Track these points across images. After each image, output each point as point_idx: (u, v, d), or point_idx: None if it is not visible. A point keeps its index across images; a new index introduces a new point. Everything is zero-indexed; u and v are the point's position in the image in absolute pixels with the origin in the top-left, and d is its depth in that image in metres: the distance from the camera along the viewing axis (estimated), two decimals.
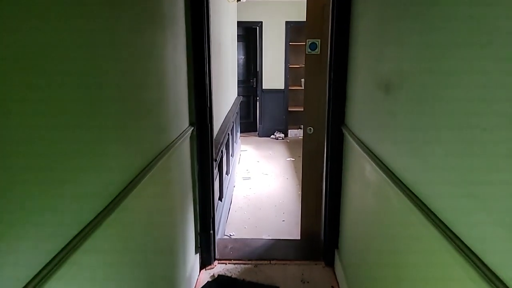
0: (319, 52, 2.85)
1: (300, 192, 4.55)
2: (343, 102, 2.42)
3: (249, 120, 7.73)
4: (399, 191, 1.36)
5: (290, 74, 7.23)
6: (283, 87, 7.16)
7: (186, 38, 2.26)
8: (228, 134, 4.15)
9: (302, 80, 7.18)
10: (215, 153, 2.67)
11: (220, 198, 3.40)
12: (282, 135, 7.31)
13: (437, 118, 1.10)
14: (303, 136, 3.03)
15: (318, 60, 2.86)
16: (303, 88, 7.12)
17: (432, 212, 1.12)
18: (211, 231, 2.67)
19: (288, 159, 5.98)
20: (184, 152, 2.24)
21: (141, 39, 1.47)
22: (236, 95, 6.05)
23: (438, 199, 1.10)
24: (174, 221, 2.06)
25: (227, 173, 4.07)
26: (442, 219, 1.06)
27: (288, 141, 7.16)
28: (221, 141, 3.17)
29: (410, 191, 1.30)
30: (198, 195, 2.56)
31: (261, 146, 6.82)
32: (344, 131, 2.39)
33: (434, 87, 1.12)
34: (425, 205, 1.17)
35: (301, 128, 7.39)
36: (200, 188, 2.55)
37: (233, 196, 4.43)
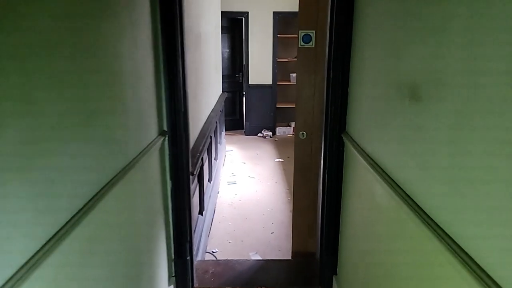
0: (313, 46, 2.45)
1: (290, 198, 4.18)
2: (345, 105, 2.02)
3: (234, 118, 7.29)
4: (431, 235, 0.99)
5: (279, 69, 6.82)
6: (271, 82, 6.76)
7: (153, 27, 1.82)
8: (211, 136, 3.73)
9: (291, 75, 6.77)
10: (192, 166, 2.26)
11: (200, 212, 2.99)
12: (270, 133, 6.90)
13: (494, 143, 0.72)
14: (294, 142, 2.64)
15: (313, 55, 2.46)
16: (292, 83, 6.79)
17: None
18: (188, 257, 2.26)
19: (277, 160, 5.59)
20: (151, 168, 1.81)
21: (75, 29, 1.04)
22: (221, 92, 5.60)
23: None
24: (138, 250, 1.65)
25: (209, 180, 3.66)
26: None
27: (276, 139, 6.76)
28: (201, 148, 2.75)
29: (446, 234, 0.95)
30: (171, 216, 2.14)
31: (248, 145, 6.40)
32: (345, 139, 2.01)
33: (491, 99, 0.74)
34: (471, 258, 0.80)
35: (290, 126, 6.99)
36: (174, 208, 2.13)
37: (216, 204, 4.02)
